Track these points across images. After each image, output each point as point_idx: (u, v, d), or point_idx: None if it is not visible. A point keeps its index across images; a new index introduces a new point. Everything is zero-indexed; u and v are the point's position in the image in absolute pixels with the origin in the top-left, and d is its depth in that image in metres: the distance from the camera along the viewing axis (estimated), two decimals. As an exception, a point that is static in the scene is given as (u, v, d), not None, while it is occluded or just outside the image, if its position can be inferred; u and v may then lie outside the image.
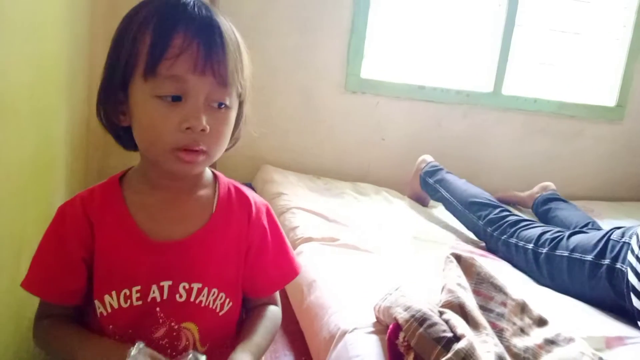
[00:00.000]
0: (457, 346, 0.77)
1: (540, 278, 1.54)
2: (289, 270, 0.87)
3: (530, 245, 1.60)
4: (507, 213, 1.78)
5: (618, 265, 1.35)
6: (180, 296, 0.76)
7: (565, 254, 1.50)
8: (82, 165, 1.73)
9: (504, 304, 0.95)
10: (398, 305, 0.89)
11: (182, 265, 0.76)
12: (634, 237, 1.33)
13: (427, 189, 2.10)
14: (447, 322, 0.83)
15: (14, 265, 1.11)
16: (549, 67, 2.54)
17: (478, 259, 1.18)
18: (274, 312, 0.86)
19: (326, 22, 2.21)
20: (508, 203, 2.19)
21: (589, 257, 1.44)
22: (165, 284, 0.75)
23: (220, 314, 0.79)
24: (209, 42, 0.69)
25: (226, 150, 0.80)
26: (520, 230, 1.68)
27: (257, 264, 0.82)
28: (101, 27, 1.76)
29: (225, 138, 0.75)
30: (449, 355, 0.76)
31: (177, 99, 0.69)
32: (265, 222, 0.84)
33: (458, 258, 1.06)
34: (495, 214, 1.78)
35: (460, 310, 0.88)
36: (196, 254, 0.77)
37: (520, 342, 0.89)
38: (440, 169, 2.09)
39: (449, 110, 2.39)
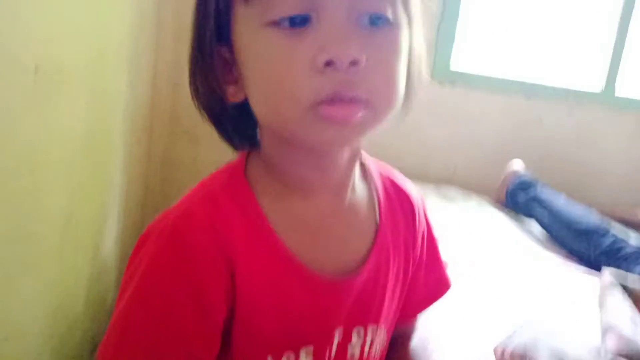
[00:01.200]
0: None
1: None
2: (442, 282, 0.64)
3: None
4: (624, 244, 1.49)
5: None
6: (353, 347, 0.53)
7: None
8: (143, 151, 1.61)
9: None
10: (541, 348, 0.65)
11: (358, 305, 0.52)
12: None
13: (517, 207, 1.81)
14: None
15: (58, 254, 1.00)
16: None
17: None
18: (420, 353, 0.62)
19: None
20: (621, 221, 1.87)
21: None
22: (337, 332, 0.51)
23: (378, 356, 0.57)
24: None
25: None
26: None
27: (413, 278, 0.59)
28: (170, 7, 1.65)
29: (397, 74, 0.45)
30: None
31: (302, 21, 0.42)
32: (423, 222, 0.60)
33: (624, 287, 0.80)
34: (609, 245, 1.49)
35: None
36: (372, 287, 0.53)
37: None
38: (533, 184, 1.79)
39: (551, 108, 2.10)
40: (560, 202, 1.70)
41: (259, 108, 0.47)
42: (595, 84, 2.13)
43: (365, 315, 0.53)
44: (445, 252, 1.24)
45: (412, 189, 0.60)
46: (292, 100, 0.43)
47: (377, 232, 0.54)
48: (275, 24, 0.43)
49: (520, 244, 1.49)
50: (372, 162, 0.59)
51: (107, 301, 1.36)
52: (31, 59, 0.80)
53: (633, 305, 0.76)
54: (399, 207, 0.57)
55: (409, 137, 2.06)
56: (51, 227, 0.97)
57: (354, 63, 0.42)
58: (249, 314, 0.48)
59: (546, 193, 1.75)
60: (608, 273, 0.85)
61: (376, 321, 0.54)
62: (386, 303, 0.55)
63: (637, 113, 2.14)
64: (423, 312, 0.64)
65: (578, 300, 0.89)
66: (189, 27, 1.63)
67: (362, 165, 0.57)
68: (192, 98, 0.51)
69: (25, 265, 0.89)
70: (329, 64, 0.41)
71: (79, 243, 1.15)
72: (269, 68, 0.44)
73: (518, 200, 1.80)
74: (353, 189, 0.54)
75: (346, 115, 0.43)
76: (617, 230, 1.58)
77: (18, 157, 0.80)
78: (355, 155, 0.52)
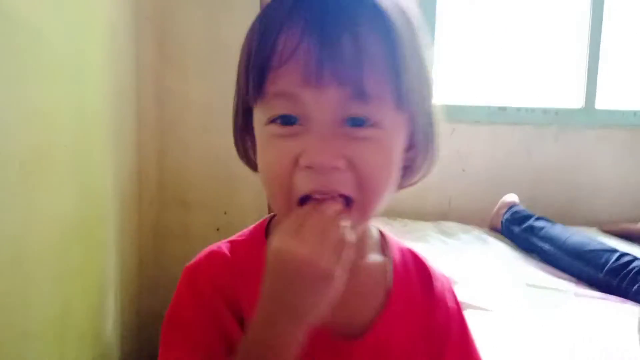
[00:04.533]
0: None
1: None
2: None
3: None
4: (631, 258, 1.46)
5: None
6: None
7: None
8: (134, 221, 1.56)
9: None
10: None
11: None
12: None
13: (513, 238, 1.78)
14: None
15: (58, 350, 0.94)
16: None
17: (614, 305, 0.94)
18: None
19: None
20: (622, 235, 1.86)
21: None
22: None
23: None
24: (327, 35, 0.46)
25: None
26: None
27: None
28: (149, 73, 1.64)
29: (383, 172, 0.50)
30: None
31: (290, 120, 0.48)
32: (450, 302, 0.61)
33: None
34: (615, 262, 1.45)
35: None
36: (380, 350, 0.54)
37: None
38: (527, 217, 1.77)
39: (537, 133, 2.11)
40: (558, 229, 1.68)
41: (265, 190, 0.53)
42: (576, 100, 2.15)
43: None
44: (459, 290, 1.22)
45: (435, 269, 0.62)
46: (281, 193, 0.50)
47: (388, 297, 0.56)
48: (272, 121, 0.49)
49: (523, 273, 1.46)
50: (396, 241, 0.63)
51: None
52: (14, 150, 0.78)
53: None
54: (417, 280, 0.60)
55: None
56: (46, 321, 0.92)
57: (332, 168, 0.47)
58: None
59: (541, 223, 1.73)
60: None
61: None
62: None
63: (619, 127, 2.15)
64: None
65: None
66: (169, 92, 1.62)
67: (383, 239, 0.61)
68: (238, 154, 0.59)
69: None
70: (309, 167, 0.47)
71: (78, 331, 1.10)
72: (264, 160, 0.52)
73: (513, 233, 1.77)
74: (364, 252, 0.57)
75: None
76: (620, 247, 1.56)
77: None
78: (361, 233, 0.56)
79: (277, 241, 0.45)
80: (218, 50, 1.70)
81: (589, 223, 1.98)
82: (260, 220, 0.60)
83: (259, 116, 0.51)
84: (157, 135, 1.68)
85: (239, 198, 1.77)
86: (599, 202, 2.15)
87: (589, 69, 2.11)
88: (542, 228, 1.69)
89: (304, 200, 0.48)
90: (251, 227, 0.60)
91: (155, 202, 1.73)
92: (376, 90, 0.47)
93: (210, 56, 1.70)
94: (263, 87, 0.48)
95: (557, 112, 2.10)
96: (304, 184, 0.48)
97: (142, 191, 1.63)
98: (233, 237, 0.59)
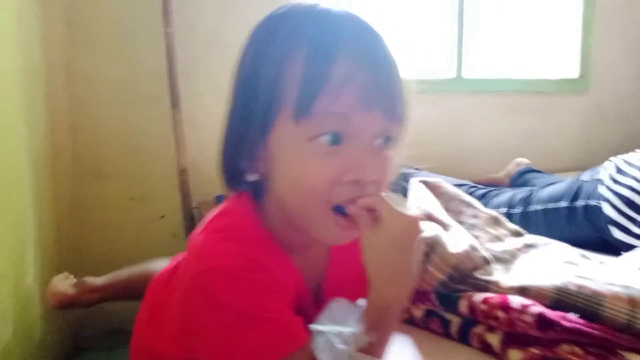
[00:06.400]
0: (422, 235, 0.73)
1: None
2: None
3: (503, 210, 1.56)
4: (474, 188, 1.74)
5: (592, 202, 1.33)
6: None
7: (540, 207, 1.47)
8: (50, 191, 1.66)
9: (475, 216, 0.93)
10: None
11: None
12: (602, 171, 1.33)
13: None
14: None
15: None
16: (507, 46, 2.56)
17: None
18: None
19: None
20: (487, 186, 2.16)
21: (564, 204, 1.42)
22: None
23: None
24: (378, 66, 0.55)
25: None
26: (490, 199, 1.64)
27: None
28: (58, 52, 1.73)
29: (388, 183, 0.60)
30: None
31: (337, 140, 0.54)
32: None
33: (425, 183, 1.04)
34: (465, 191, 1.73)
35: (430, 219, 0.85)
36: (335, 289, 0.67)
37: (497, 247, 0.86)
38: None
39: (415, 100, 2.35)
40: (422, 173, 1.95)
41: (287, 198, 0.59)
42: (449, 71, 2.42)
43: None
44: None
45: None
46: (316, 201, 0.55)
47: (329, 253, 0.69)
48: (316, 139, 0.54)
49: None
50: None
51: (34, 334, 1.41)
52: None
53: (429, 193, 0.99)
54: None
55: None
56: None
57: (371, 182, 0.55)
58: None
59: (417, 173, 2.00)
60: (413, 180, 1.07)
61: None
62: None
63: (486, 94, 2.46)
64: None
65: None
66: (79, 70, 1.69)
67: None
68: (219, 168, 0.62)
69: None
70: (355, 182, 0.55)
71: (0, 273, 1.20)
72: (304, 174, 0.55)
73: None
74: None
75: (355, 233, 0.57)
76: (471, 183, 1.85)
77: None
78: None
79: (401, 218, 0.55)
80: (125, 27, 1.81)
81: (464, 177, 2.26)
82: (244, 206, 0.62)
83: (296, 133, 0.54)
84: (69, 110, 1.77)
85: (150, 168, 1.90)
86: (473, 158, 2.45)
87: (458, 43, 2.40)
88: (411, 174, 1.96)
89: (335, 209, 0.56)
90: (240, 219, 0.62)
91: (70, 174, 1.82)
92: (403, 114, 0.57)
93: (118, 34, 1.82)
94: (311, 107, 0.52)
95: (431, 82, 2.36)
96: (342, 195, 0.55)
97: (56, 163, 1.71)
98: (237, 240, 0.59)
